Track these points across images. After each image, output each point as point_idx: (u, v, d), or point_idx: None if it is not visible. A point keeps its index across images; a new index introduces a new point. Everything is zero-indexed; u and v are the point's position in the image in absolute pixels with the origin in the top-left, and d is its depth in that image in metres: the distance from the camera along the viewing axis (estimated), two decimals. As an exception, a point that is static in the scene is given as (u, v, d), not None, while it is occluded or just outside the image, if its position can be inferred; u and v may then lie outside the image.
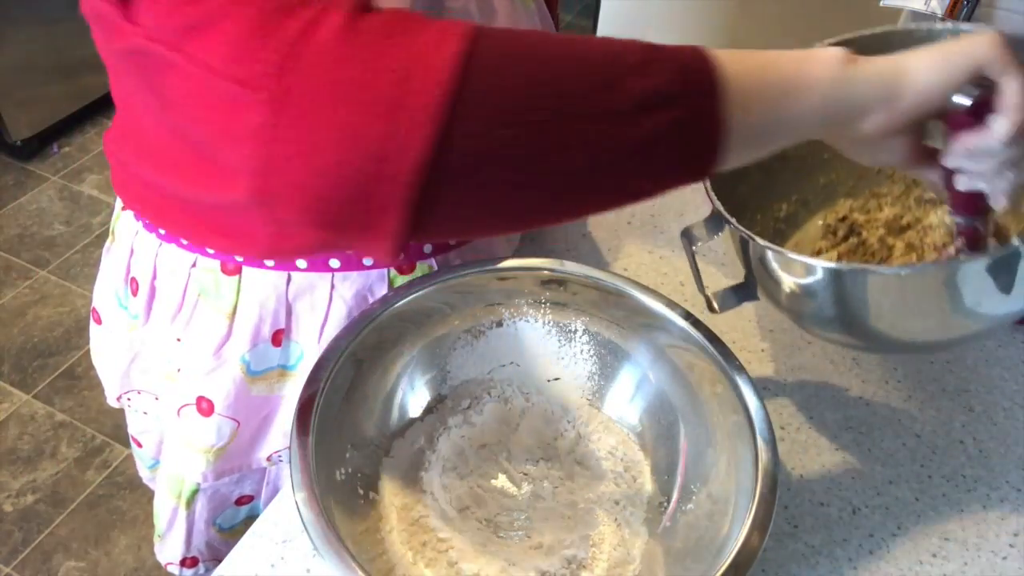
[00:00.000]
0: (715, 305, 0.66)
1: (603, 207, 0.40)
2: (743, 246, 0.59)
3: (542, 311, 0.70)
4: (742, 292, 0.64)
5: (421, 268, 0.70)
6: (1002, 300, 0.53)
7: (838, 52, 0.42)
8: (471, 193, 0.37)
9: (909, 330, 0.58)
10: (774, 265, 0.58)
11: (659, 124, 0.37)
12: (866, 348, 0.73)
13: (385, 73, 0.34)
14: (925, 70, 0.41)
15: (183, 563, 0.82)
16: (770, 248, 0.56)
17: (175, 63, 0.37)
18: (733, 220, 0.58)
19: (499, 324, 0.70)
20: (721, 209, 0.59)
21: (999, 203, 0.49)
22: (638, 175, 0.39)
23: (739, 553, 0.50)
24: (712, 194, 0.60)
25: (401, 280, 0.70)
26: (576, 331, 0.70)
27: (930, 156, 0.49)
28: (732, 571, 0.50)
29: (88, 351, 1.83)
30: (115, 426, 1.70)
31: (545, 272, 0.68)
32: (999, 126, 0.43)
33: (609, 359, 0.69)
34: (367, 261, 0.67)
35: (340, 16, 0.35)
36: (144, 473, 0.92)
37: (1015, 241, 0.48)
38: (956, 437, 0.72)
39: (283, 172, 0.36)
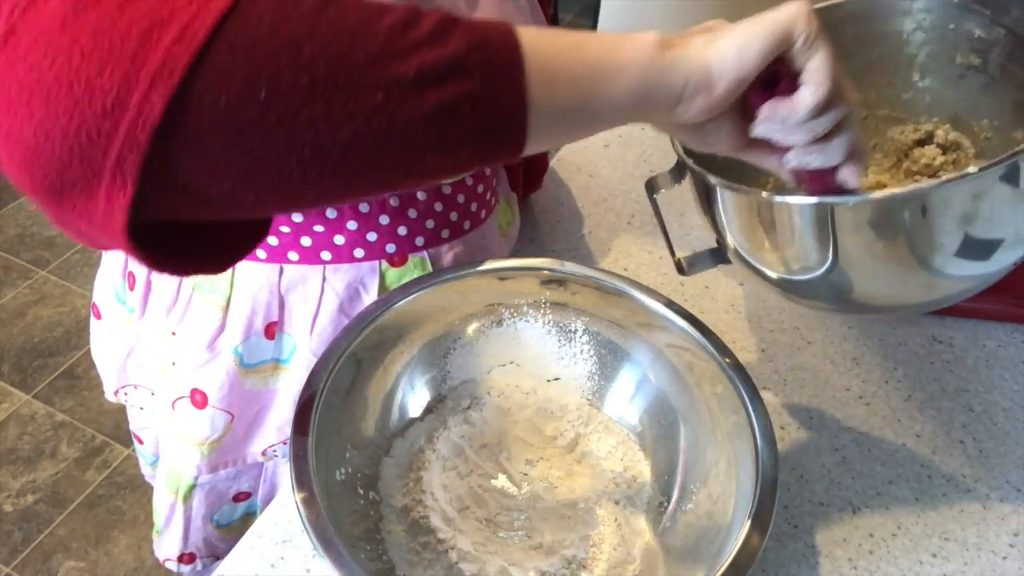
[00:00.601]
0: (684, 267, 0.64)
1: (395, 184, 0.37)
2: (705, 194, 0.56)
3: (542, 311, 0.70)
4: (713, 255, 0.63)
5: (413, 260, 0.70)
6: (949, 250, 0.49)
7: (654, 36, 0.40)
8: (217, 160, 0.33)
9: (863, 279, 0.53)
10: (721, 204, 0.55)
11: (446, 97, 0.34)
12: (832, 308, 0.68)
13: (131, 21, 0.30)
14: (736, 50, 0.41)
15: (180, 559, 0.82)
16: (720, 183, 0.53)
17: None
18: (690, 160, 0.55)
19: (499, 324, 0.70)
20: (680, 152, 0.57)
21: (849, 180, 0.47)
22: (425, 151, 0.36)
23: (739, 553, 0.50)
24: (675, 141, 0.57)
25: (393, 273, 0.70)
26: (576, 331, 0.70)
27: (763, 142, 0.47)
28: (732, 571, 0.50)
29: (88, 351, 1.84)
30: (115, 426, 1.70)
31: (545, 272, 0.68)
32: (804, 96, 0.42)
33: (609, 359, 0.69)
34: (358, 252, 0.68)
35: None
36: (146, 471, 0.92)
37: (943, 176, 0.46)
38: (956, 437, 0.72)
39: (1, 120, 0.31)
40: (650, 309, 0.66)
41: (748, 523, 0.52)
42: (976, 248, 0.50)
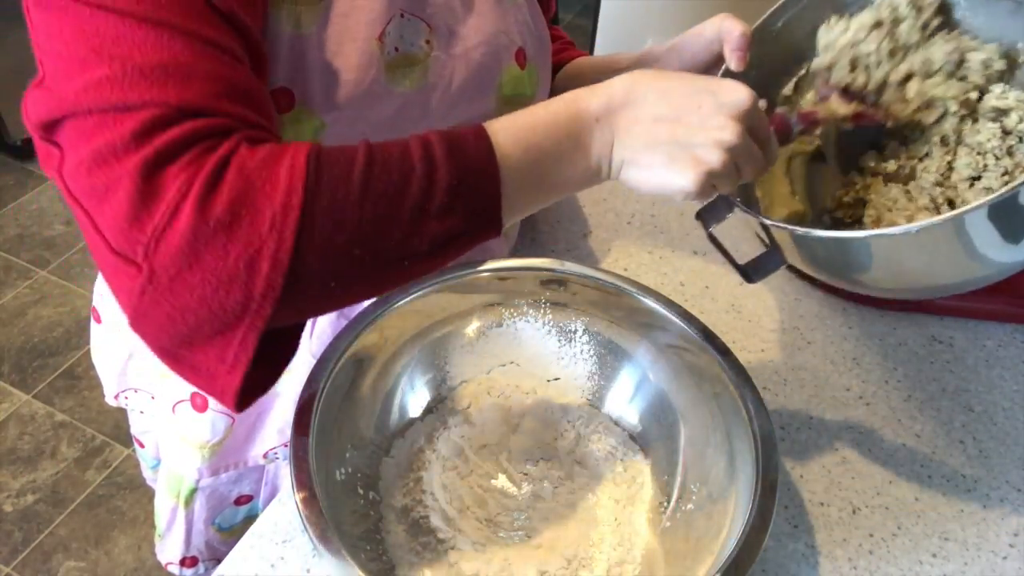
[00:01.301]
0: (751, 275, 0.63)
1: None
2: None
3: (542, 311, 0.70)
4: (771, 259, 0.62)
5: None
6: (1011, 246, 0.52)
7: (595, 163, 0.50)
8: (303, 316, 0.48)
9: (914, 279, 0.57)
10: (776, 236, 0.58)
11: (448, 253, 0.48)
12: (875, 293, 0.69)
13: (236, 256, 0.42)
14: (634, 185, 0.51)
15: (183, 563, 0.82)
16: (772, 223, 0.56)
17: (80, 215, 0.44)
18: (738, 200, 0.58)
19: (499, 324, 0.70)
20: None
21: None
22: (431, 271, 0.50)
23: (739, 553, 0.50)
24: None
25: None
26: (576, 331, 0.70)
27: None
28: (732, 571, 0.50)
29: (88, 351, 1.83)
30: (115, 426, 1.70)
31: (545, 272, 0.68)
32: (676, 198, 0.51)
33: (609, 359, 0.69)
34: None
35: (194, 199, 0.41)
36: (147, 473, 0.92)
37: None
38: (956, 437, 0.72)
39: (151, 320, 0.43)
40: (650, 309, 0.66)
41: (748, 523, 0.52)
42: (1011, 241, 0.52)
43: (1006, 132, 0.64)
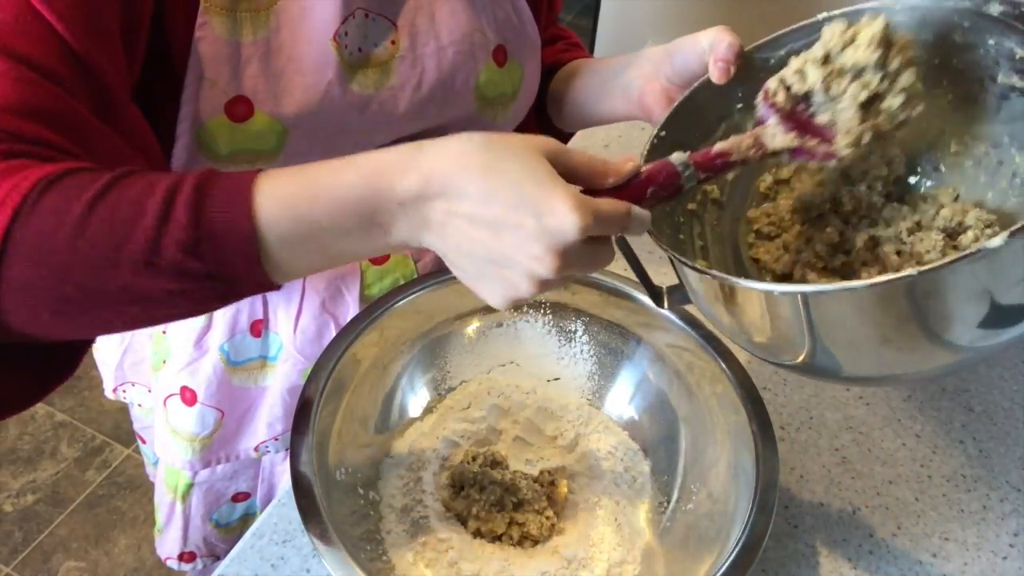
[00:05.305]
0: (664, 301, 0.58)
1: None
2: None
3: (542, 311, 0.70)
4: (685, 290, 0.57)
5: (395, 259, 0.71)
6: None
7: (396, 244, 0.45)
8: (29, 338, 0.44)
9: (833, 356, 0.48)
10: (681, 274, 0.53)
11: (197, 305, 0.44)
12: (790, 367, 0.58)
13: None
14: None
15: (181, 557, 0.82)
16: (675, 258, 0.51)
17: None
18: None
19: (499, 324, 0.70)
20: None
21: None
22: (184, 316, 0.46)
23: (739, 553, 0.50)
24: None
25: (374, 271, 0.70)
26: (576, 331, 0.70)
27: None
28: (732, 571, 0.50)
29: (88, 351, 1.83)
30: (115, 426, 1.70)
31: (545, 272, 0.68)
32: None
33: (609, 359, 0.69)
34: None
35: None
36: (150, 470, 0.93)
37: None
38: (956, 437, 0.72)
39: None
40: (650, 309, 0.66)
41: (748, 523, 0.52)
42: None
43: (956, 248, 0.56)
